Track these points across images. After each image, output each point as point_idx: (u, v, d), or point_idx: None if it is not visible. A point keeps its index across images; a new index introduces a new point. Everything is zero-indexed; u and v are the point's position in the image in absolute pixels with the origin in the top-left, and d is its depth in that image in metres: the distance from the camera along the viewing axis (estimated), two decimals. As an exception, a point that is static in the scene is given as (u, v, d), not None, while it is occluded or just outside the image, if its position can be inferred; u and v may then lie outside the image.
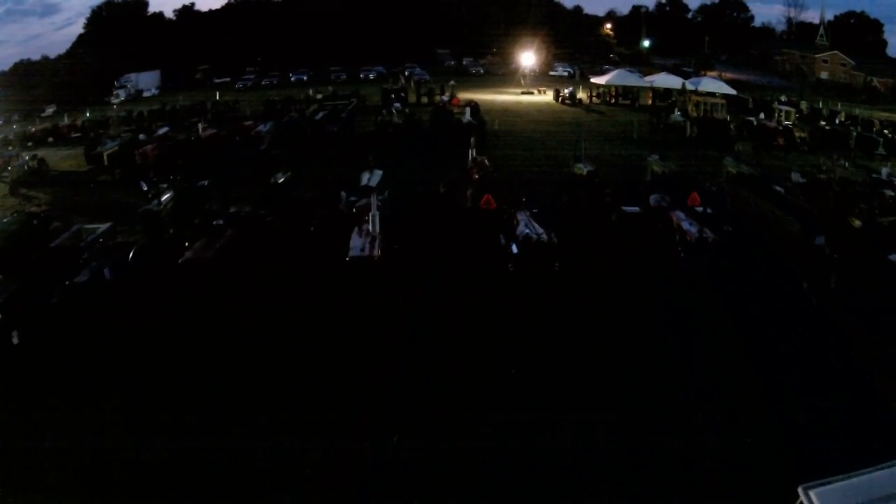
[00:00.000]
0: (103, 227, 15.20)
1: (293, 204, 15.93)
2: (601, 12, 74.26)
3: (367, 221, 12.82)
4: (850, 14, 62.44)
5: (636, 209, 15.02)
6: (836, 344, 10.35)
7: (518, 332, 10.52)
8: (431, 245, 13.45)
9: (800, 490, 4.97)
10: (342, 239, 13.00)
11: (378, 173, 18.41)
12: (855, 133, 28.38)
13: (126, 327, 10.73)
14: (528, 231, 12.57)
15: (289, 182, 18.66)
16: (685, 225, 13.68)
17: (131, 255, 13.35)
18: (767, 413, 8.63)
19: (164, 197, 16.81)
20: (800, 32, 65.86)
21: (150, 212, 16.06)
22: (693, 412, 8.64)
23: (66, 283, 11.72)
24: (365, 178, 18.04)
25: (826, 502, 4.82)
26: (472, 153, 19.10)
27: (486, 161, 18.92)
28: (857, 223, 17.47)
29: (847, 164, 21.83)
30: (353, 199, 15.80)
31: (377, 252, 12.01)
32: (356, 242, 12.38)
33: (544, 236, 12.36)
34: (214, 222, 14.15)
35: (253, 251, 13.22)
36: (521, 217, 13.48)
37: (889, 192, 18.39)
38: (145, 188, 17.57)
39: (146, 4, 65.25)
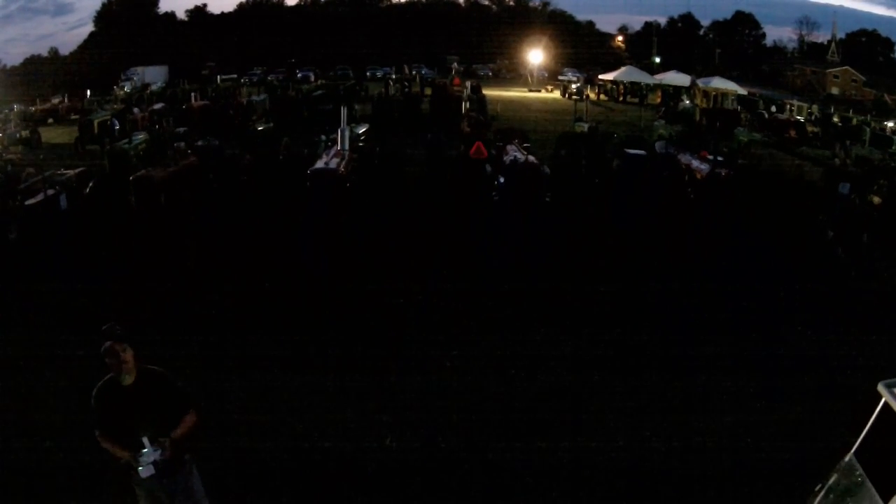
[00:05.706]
0: (76, 171, 14.47)
1: (264, 141, 14.78)
2: (613, 29, 74.19)
3: (336, 141, 11.52)
4: (862, 32, 61.79)
5: (642, 152, 13.60)
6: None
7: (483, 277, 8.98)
8: (408, 179, 12.09)
9: (881, 387, 3.86)
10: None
11: (364, 126, 17.26)
12: (869, 129, 27.03)
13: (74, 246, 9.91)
14: (516, 156, 11.17)
15: (269, 130, 17.58)
16: (695, 164, 12.25)
17: (90, 186, 12.61)
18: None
19: (138, 138, 16.17)
20: (811, 52, 65.26)
21: (119, 149, 15.41)
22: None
23: (17, 203, 10.97)
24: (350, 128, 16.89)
25: None
26: (465, 106, 17.92)
27: (481, 116, 17.69)
28: (878, 200, 16.02)
29: (862, 147, 20.43)
30: (333, 137, 14.60)
31: (343, 168, 10.66)
32: (322, 160, 11.07)
33: (533, 160, 10.95)
34: (175, 144, 13.05)
35: (211, 174, 12.05)
36: (511, 148, 12.12)
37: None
38: (117, 126, 16.76)
39: (156, 1, 65.89)
